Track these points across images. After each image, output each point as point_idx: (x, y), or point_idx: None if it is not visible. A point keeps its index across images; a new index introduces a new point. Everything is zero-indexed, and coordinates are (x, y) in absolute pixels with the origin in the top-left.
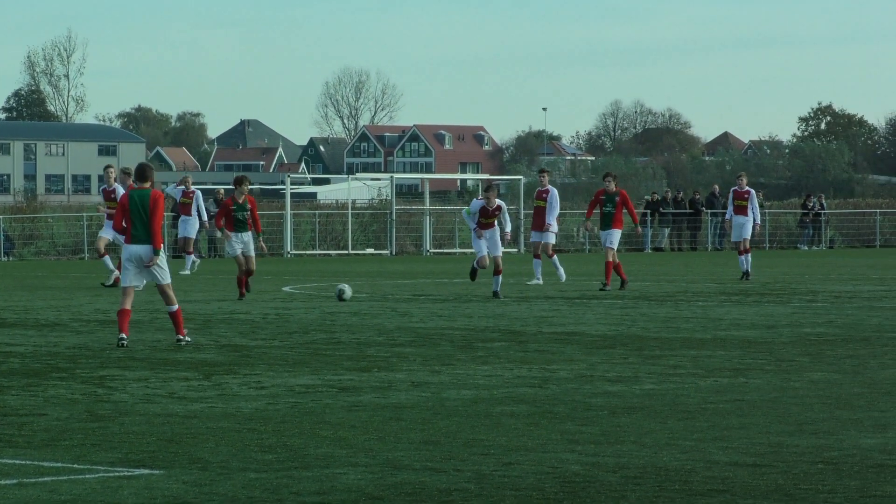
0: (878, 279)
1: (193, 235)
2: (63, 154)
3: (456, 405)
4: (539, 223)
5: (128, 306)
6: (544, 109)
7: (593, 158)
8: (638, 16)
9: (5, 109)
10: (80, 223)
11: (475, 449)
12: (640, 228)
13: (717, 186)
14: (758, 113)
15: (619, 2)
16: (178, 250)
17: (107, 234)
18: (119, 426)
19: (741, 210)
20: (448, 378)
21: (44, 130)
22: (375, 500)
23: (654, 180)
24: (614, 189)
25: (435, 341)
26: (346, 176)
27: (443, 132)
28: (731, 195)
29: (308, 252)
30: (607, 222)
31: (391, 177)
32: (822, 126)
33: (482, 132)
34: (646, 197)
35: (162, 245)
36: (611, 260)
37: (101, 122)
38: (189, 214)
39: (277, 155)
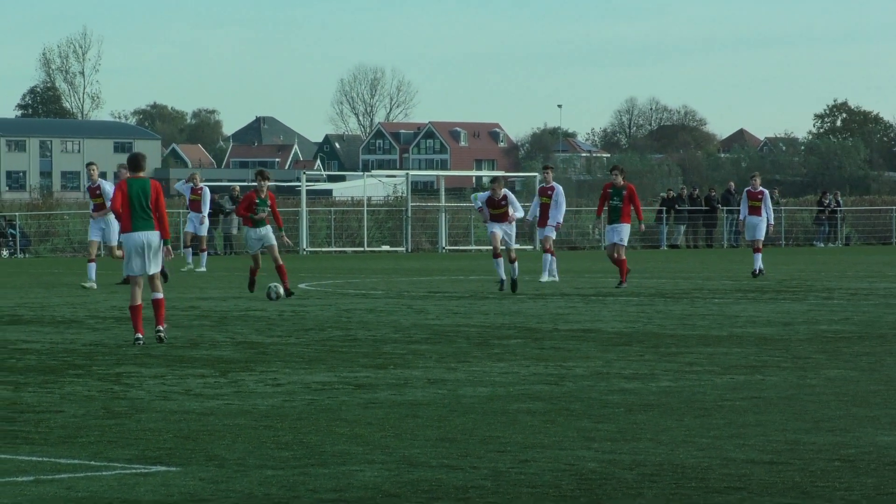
0: (894, 276)
1: (205, 233)
2: (79, 151)
3: (472, 402)
4: (545, 220)
5: (139, 300)
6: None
7: (608, 155)
8: (653, 12)
9: (21, 107)
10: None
11: (491, 446)
12: (643, 226)
13: (732, 183)
14: (773, 110)
15: None
16: (185, 246)
17: (97, 237)
18: (136, 423)
19: (755, 210)
20: (464, 375)
21: (59, 127)
22: (392, 497)
23: (669, 177)
24: (622, 183)
25: (451, 338)
26: (361, 173)
27: (458, 129)
28: (744, 195)
29: (324, 249)
30: (614, 216)
31: (406, 174)
32: (838, 123)
33: (497, 129)
34: (661, 194)
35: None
36: (624, 257)
37: (117, 120)
38: (199, 211)
39: (293, 152)
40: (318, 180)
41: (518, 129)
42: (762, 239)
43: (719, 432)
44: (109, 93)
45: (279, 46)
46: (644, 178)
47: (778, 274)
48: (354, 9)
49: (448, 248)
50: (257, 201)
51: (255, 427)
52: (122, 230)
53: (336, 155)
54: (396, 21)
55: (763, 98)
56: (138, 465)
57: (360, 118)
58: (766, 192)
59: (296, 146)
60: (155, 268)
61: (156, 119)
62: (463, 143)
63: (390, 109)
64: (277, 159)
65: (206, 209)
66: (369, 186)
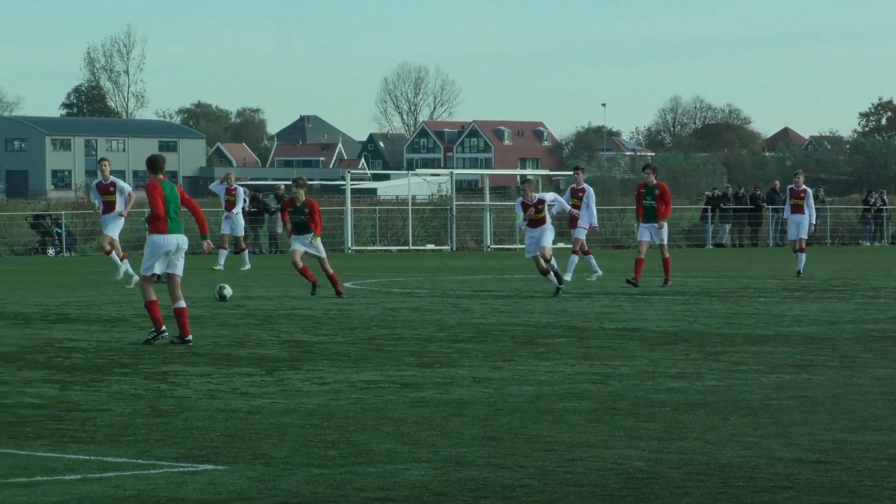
0: None
1: (241, 233)
2: (124, 150)
3: (518, 401)
4: (576, 221)
5: (155, 295)
6: (603, 105)
7: (653, 154)
8: (697, 10)
9: (66, 106)
10: (142, 219)
11: (538, 445)
12: (663, 222)
13: (777, 182)
14: (818, 108)
15: None
16: (220, 247)
17: (112, 232)
18: (182, 422)
19: (798, 209)
20: (510, 374)
21: (104, 126)
22: (438, 495)
23: (714, 176)
24: (654, 182)
25: (496, 337)
26: (405, 172)
27: (502, 128)
28: (788, 193)
29: (369, 248)
30: (649, 216)
31: (451, 172)
32: (883, 121)
33: (541, 128)
34: (706, 193)
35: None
36: (642, 256)
37: (162, 119)
38: (233, 211)
39: (337, 151)
40: (362, 179)
41: (562, 127)
42: (805, 238)
43: (766, 431)
44: (154, 92)
45: (323, 45)
46: (689, 177)
47: (824, 273)
48: (398, 7)
49: (493, 246)
50: (291, 209)
51: (301, 426)
52: (156, 231)
53: (380, 154)
54: (440, 20)
55: (808, 96)
56: (185, 463)
57: (404, 117)
58: (809, 190)
59: (340, 145)
60: (180, 269)
61: (200, 118)
62: (507, 142)
63: (434, 108)
64: (322, 158)
65: (240, 207)
66: (414, 185)
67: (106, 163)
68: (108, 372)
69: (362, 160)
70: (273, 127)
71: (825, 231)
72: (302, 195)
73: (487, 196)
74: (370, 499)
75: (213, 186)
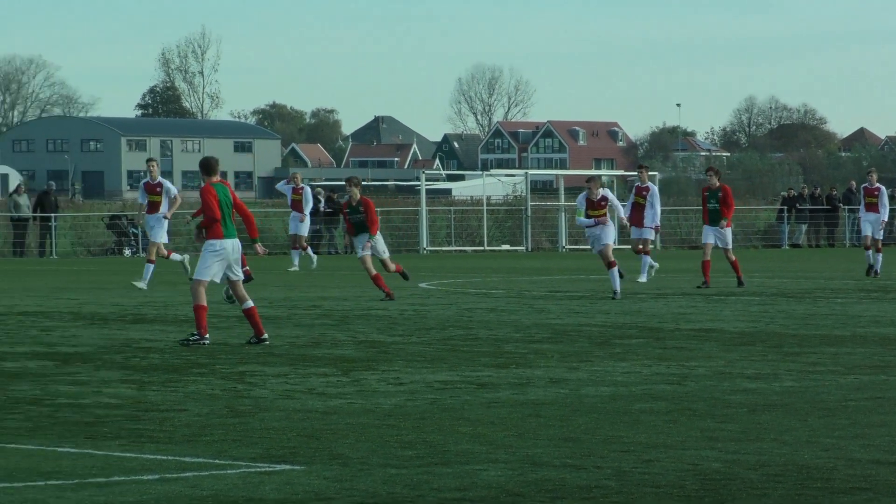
0: None
1: (305, 232)
2: (199, 150)
3: (594, 402)
4: (638, 220)
5: (206, 300)
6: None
7: (728, 154)
8: (772, 9)
9: (141, 106)
10: (186, 220)
11: (614, 446)
12: (727, 223)
13: (853, 182)
14: (894, 108)
15: None
16: (292, 247)
17: (159, 238)
18: (259, 422)
19: (872, 207)
20: (586, 375)
21: (179, 127)
22: (516, 496)
23: (789, 176)
24: (717, 184)
25: (572, 338)
26: (480, 172)
27: (576, 128)
28: (861, 192)
29: (444, 248)
30: (713, 218)
31: (526, 173)
32: None
33: (616, 128)
34: (782, 193)
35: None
36: (708, 259)
37: (237, 119)
38: (300, 211)
39: (411, 151)
40: (437, 179)
41: (637, 127)
42: (881, 238)
43: (843, 432)
44: (229, 92)
45: (398, 45)
46: (764, 178)
47: None
48: (473, 8)
49: (568, 247)
50: (347, 210)
51: (378, 426)
52: (213, 236)
53: (455, 154)
54: (515, 20)
55: (884, 96)
56: (262, 463)
57: (479, 117)
58: (883, 188)
59: (414, 145)
60: (238, 274)
61: (275, 118)
62: (581, 142)
63: (508, 108)
64: (396, 158)
65: (308, 208)
66: (488, 186)
67: (154, 163)
68: (185, 372)
69: (437, 161)
70: (348, 127)
71: None
72: (357, 194)
73: (562, 196)
74: (447, 499)
75: (279, 186)
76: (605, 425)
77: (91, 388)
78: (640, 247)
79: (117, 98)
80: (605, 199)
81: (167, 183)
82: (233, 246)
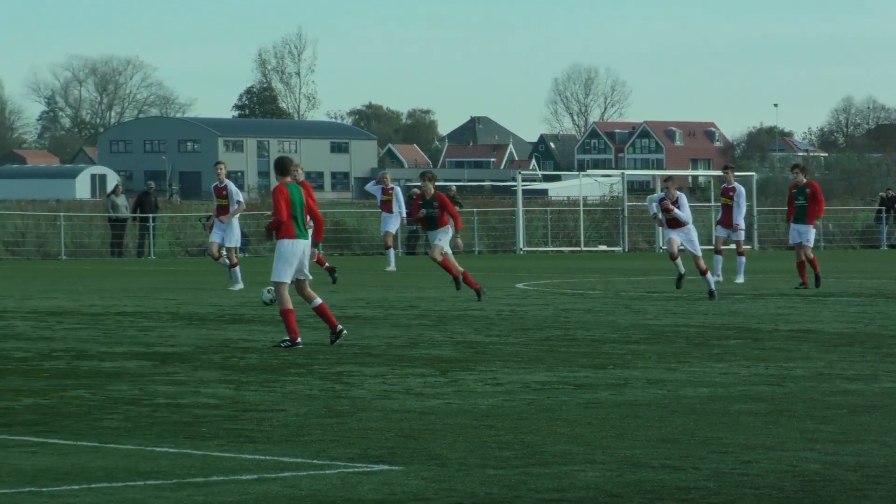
0: None
1: (394, 231)
2: (295, 151)
3: (692, 403)
4: (726, 220)
5: (291, 303)
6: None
7: (825, 155)
8: (871, 9)
9: (238, 107)
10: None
11: (713, 447)
12: (818, 222)
13: None
14: None
15: None
16: (386, 247)
17: (217, 238)
18: (357, 422)
19: None
20: (684, 375)
21: (276, 128)
22: (614, 497)
23: (887, 176)
24: (804, 181)
25: (670, 338)
26: (576, 172)
27: (673, 128)
28: None
29: (540, 249)
30: (800, 216)
31: (622, 173)
32: None
33: (713, 128)
34: (880, 193)
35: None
36: (803, 259)
37: (333, 120)
38: (390, 211)
39: (508, 152)
40: (533, 180)
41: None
42: None
43: None
44: (325, 93)
45: (494, 46)
46: (862, 178)
47: None
48: (568, 8)
49: (664, 247)
50: (421, 203)
51: (475, 426)
52: (284, 236)
53: (551, 154)
54: (611, 20)
55: None
56: (360, 463)
57: (575, 118)
58: None
59: (511, 146)
60: (307, 274)
61: (371, 119)
62: (678, 143)
63: (605, 109)
64: (492, 159)
65: (399, 208)
66: (585, 186)
67: (222, 166)
68: (283, 372)
69: (533, 161)
70: (444, 128)
71: None
72: (431, 188)
73: None
74: (545, 500)
75: (368, 188)
76: (703, 426)
77: (189, 388)
78: (738, 248)
79: (214, 99)
80: (676, 200)
81: (232, 186)
82: (304, 247)
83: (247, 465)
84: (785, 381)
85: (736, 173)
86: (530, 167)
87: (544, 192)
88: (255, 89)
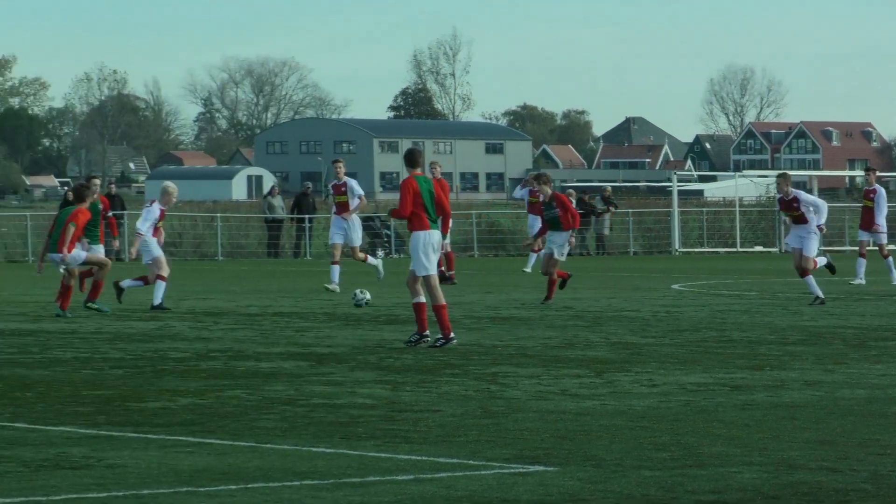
0: None
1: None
2: (450, 152)
3: (850, 404)
4: (867, 222)
5: (424, 297)
6: None
7: None
8: None
9: (393, 108)
10: (470, 221)
11: (871, 449)
12: (879, 226)
13: None
14: None
15: None
16: (533, 251)
17: (339, 240)
18: (513, 423)
19: None
20: (841, 377)
21: (431, 129)
22: (771, 499)
23: None
24: (872, 184)
25: (827, 340)
26: (732, 173)
27: (830, 129)
28: None
29: (696, 249)
30: (866, 219)
31: (778, 174)
32: None
33: (870, 128)
34: None
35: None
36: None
37: (488, 121)
38: (539, 214)
39: (663, 152)
40: (688, 180)
41: (891, 128)
42: None
43: None
44: (480, 94)
45: (649, 47)
46: None
47: None
48: (725, 8)
49: (822, 248)
50: (543, 206)
51: (631, 427)
52: (416, 228)
53: (706, 155)
54: (767, 20)
55: None
56: (516, 464)
57: (731, 118)
58: None
59: (666, 146)
60: (434, 268)
61: (526, 120)
62: (835, 143)
63: (761, 109)
64: (648, 160)
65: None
66: (741, 186)
67: (340, 163)
68: (439, 373)
69: (688, 162)
70: (599, 128)
71: None
72: (547, 190)
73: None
74: (702, 501)
75: (516, 194)
76: (861, 428)
77: (346, 388)
78: (881, 252)
79: (370, 100)
80: (796, 199)
81: (351, 182)
82: (437, 237)
83: (403, 465)
84: None
85: (891, 174)
86: (686, 168)
87: (700, 192)
88: (410, 90)
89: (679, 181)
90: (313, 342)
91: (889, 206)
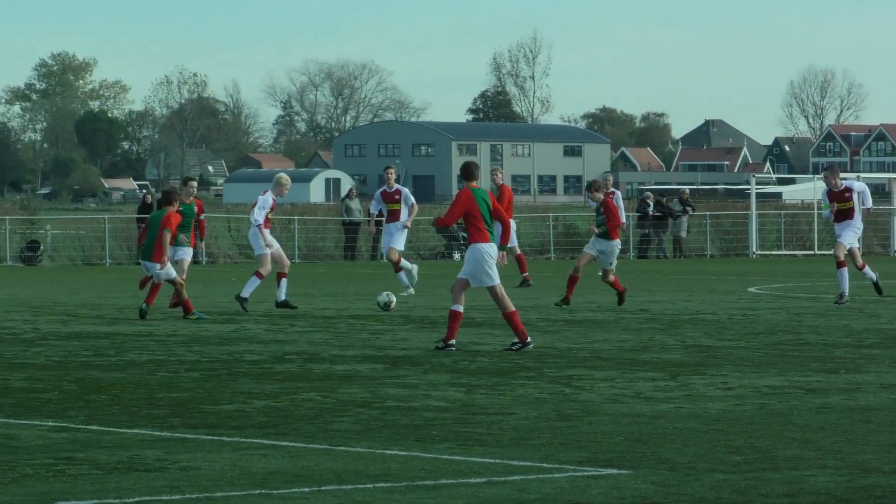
0: None
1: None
2: (528, 155)
3: None
4: None
5: (463, 306)
6: None
7: None
8: None
9: (472, 111)
10: (547, 224)
11: None
12: None
13: None
14: None
15: None
16: None
17: (398, 244)
18: (587, 426)
19: None
20: None
21: (510, 131)
22: (844, 502)
23: None
24: None
25: None
26: (811, 176)
27: None
28: None
29: (773, 252)
30: None
31: (857, 176)
32: None
33: None
34: None
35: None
36: None
37: (566, 123)
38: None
39: (742, 155)
40: (767, 183)
41: None
42: None
43: None
44: (559, 96)
45: (728, 49)
46: None
47: None
48: (805, 11)
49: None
50: (596, 212)
51: (705, 431)
52: (476, 240)
53: (785, 157)
54: (848, 23)
55: None
56: (589, 467)
57: (810, 120)
58: None
59: (745, 149)
60: (496, 278)
61: (605, 122)
62: None
63: (841, 111)
64: (726, 162)
65: (621, 213)
66: (820, 189)
67: (391, 170)
68: (513, 376)
69: (767, 164)
70: (678, 131)
71: None
72: (600, 196)
73: (895, 200)
74: None
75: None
76: None
77: (420, 391)
78: None
79: (449, 103)
80: (848, 189)
81: (405, 191)
82: (495, 249)
83: (476, 468)
84: None
85: None
86: (764, 170)
87: (778, 195)
88: (489, 93)
89: (758, 184)
90: (388, 345)
91: None
